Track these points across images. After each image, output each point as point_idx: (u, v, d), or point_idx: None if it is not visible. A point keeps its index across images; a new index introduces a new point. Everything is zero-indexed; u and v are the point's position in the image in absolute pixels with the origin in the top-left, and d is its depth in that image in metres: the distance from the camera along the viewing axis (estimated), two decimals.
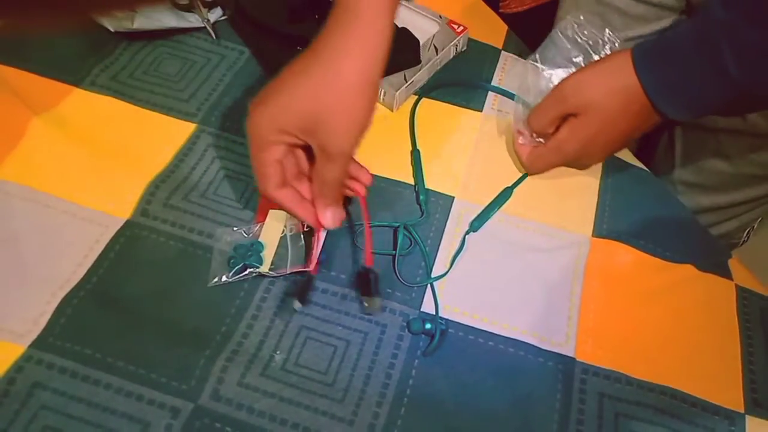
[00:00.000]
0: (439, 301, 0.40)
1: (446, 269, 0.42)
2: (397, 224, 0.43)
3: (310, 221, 0.37)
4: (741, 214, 0.61)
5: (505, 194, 0.46)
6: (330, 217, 0.37)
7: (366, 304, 0.39)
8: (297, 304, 0.38)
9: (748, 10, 0.36)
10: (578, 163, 0.46)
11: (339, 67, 0.33)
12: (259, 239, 0.41)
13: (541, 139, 0.46)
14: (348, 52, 0.33)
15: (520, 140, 0.47)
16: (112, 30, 0.50)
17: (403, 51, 0.50)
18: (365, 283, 0.39)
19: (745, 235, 0.65)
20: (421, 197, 0.44)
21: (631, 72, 0.41)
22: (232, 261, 0.40)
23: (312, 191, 0.37)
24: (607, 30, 0.46)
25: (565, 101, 0.43)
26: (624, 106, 0.41)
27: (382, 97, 0.50)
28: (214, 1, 0.53)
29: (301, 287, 0.39)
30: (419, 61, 0.50)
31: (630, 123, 0.42)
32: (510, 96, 0.52)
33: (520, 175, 0.47)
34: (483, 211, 0.45)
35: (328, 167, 0.35)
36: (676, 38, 0.40)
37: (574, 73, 0.44)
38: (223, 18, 0.54)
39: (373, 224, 0.43)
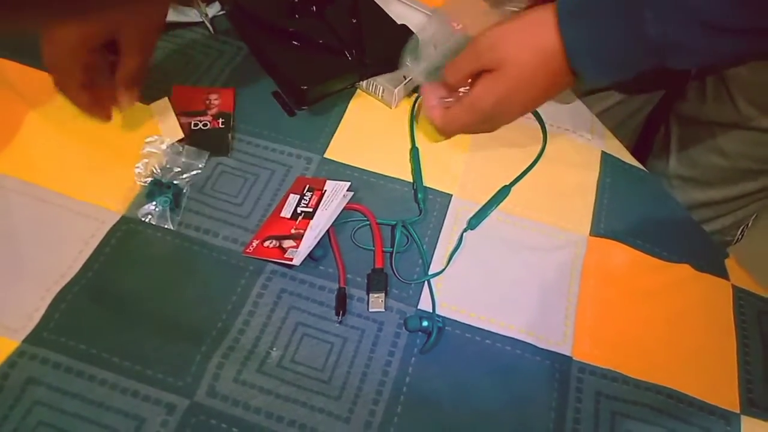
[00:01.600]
0: (436, 299, 0.40)
1: (443, 267, 0.42)
2: (395, 222, 0.43)
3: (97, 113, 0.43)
4: (736, 210, 0.61)
5: (503, 192, 0.46)
6: (128, 98, 0.43)
7: (372, 301, 0.39)
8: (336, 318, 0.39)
9: None
10: (492, 122, 0.44)
11: None
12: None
13: (451, 99, 0.44)
14: None
15: (431, 100, 0.44)
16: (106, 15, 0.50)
17: (402, 47, 0.50)
18: (373, 281, 0.40)
19: (739, 232, 0.65)
20: (420, 195, 0.44)
21: (552, 28, 0.39)
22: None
23: (117, 77, 0.42)
24: None
25: (482, 55, 0.41)
26: (542, 63, 0.39)
27: (380, 94, 0.50)
28: None
29: (338, 301, 0.39)
30: (396, 67, 0.50)
31: (547, 81, 0.40)
32: None
33: (519, 173, 0.47)
34: (481, 209, 0.45)
35: (133, 60, 0.41)
36: None
37: (492, 27, 0.41)
38: (221, 13, 0.53)
39: (387, 222, 0.43)
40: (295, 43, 0.49)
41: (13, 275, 0.38)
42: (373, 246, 0.41)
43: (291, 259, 0.39)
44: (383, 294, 0.39)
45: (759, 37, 0.35)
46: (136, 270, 0.39)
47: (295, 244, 0.40)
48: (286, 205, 0.42)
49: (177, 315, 0.38)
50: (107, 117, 0.44)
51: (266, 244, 0.40)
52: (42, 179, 0.42)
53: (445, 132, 0.45)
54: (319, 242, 0.40)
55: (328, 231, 0.41)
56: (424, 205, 0.44)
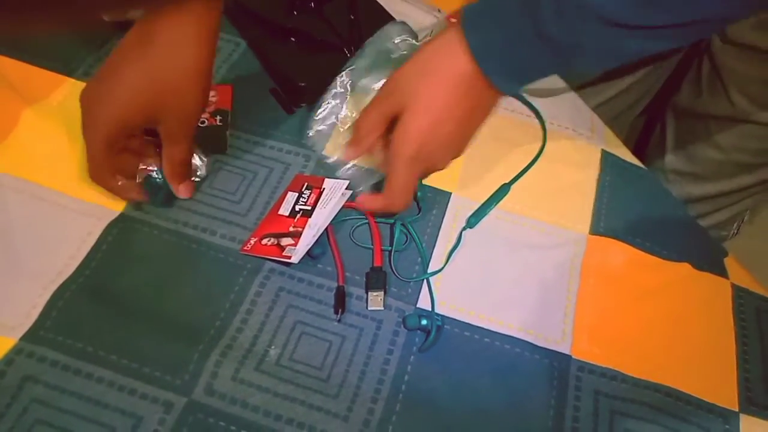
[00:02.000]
0: (435, 298, 0.40)
1: (442, 265, 0.42)
2: (393, 220, 0.43)
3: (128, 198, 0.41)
4: (731, 204, 0.61)
5: (503, 191, 0.45)
6: (185, 191, 0.41)
7: (371, 299, 0.39)
8: (335, 316, 0.38)
9: None
10: (429, 162, 0.40)
11: (169, 58, 0.35)
12: None
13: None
14: (186, 42, 0.35)
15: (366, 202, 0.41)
16: (106, 19, 0.49)
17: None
18: (371, 279, 0.39)
19: (735, 226, 0.65)
20: (419, 193, 0.44)
21: (457, 46, 0.36)
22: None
23: (165, 172, 0.40)
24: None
25: (388, 97, 0.39)
26: (455, 85, 0.37)
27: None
28: None
29: (337, 299, 0.39)
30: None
31: (468, 102, 0.37)
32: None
33: (518, 171, 0.47)
34: (480, 207, 0.44)
35: (177, 149, 0.39)
36: (501, 2, 0.36)
37: (401, 67, 0.39)
38: None
39: (385, 220, 0.43)
40: (293, 39, 0.49)
41: (10, 273, 0.38)
42: (372, 244, 0.41)
43: (289, 257, 0.39)
44: (382, 292, 0.39)
45: (660, 34, 0.33)
46: (133, 268, 0.39)
47: (293, 242, 0.39)
48: (284, 203, 0.42)
49: (175, 313, 0.38)
50: (141, 197, 0.41)
51: (264, 242, 0.40)
52: (39, 176, 0.42)
53: (395, 206, 0.40)
54: (317, 240, 0.40)
55: (326, 229, 0.41)
56: (423, 203, 0.44)
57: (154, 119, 0.37)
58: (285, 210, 0.42)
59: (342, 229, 0.42)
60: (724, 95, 0.53)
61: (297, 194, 0.43)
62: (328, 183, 0.43)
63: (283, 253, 0.39)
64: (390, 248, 0.42)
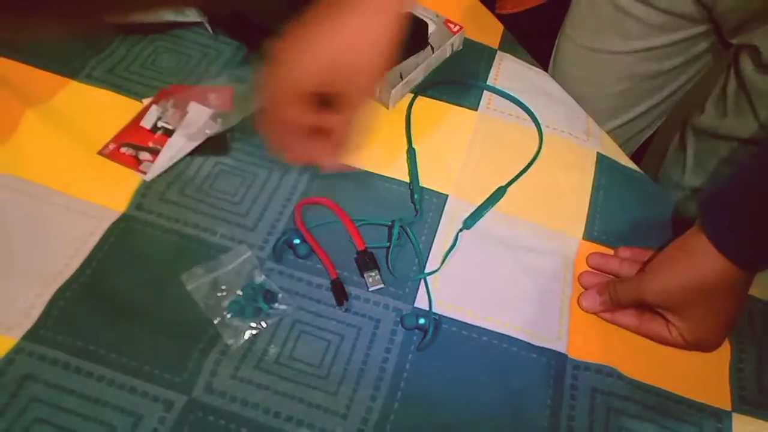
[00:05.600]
0: (432, 297, 0.40)
1: (439, 266, 0.42)
2: (390, 222, 0.43)
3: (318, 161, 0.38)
4: None
5: (499, 193, 0.46)
6: (332, 163, 0.38)
7: (370, 280, 0.39)
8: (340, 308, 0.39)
9: None
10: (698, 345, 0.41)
11: (365, 23, 0.35)
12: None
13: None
14: (371, 10, 0.35)
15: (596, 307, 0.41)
16: (108, 21, 0.50)
17: (411, 35, 0.50)
18: (362, 262, 0.40)
19: None
20: (416, 196, 0.45)
21: (710, 251, 0.37)
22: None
23: (335, 134, 0.38)
24: None
25: (650, 300, 0.39)
26: (726, 295, 0.38)
27: (377, 94, 0.50)
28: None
29: (334, 291, 0.39)
30: (427, 44, 0.50)
31: (739, 302, 0.39)
32: (505, 96, 0.52)
33: (514, 174, 0.48)
34: (477, 209, 0.45)
35: (343, 116, 0.37)
36: (743, 191, 0.36)
37: (649, 269, 0.40)
38: (199, 21, 0.53)
39: (369, 221, 0.43)
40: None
41: (11, 273, 0.38)
42: (348, 232, 0.42)
43: (145, 173, 0.40)
44: (377, 270, 0.40)
45: None
46: (134, 267, 0.40)
47: (151, 157, 0.40)
48: (147, 115, 0.43)
49: (175, 312, 0.38)
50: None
51: (122, 150, 0.41)
52: (40, 177, 0.42)
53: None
54: (302, 241, 0.41)
55: (304, 233, 0.41)
56: (420, 205, 0.45)
57: (338, 81, 0.36)
58: (147, 123, 0.42)
59: (320, 234, 0.42)
60: (752, 117, 0.52)
61: (161, 109, 0.43)
62: (192, 107, 0.43)
63: (140, 167, 0.40)
64: (388, 244, 0.42)
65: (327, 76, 0.35)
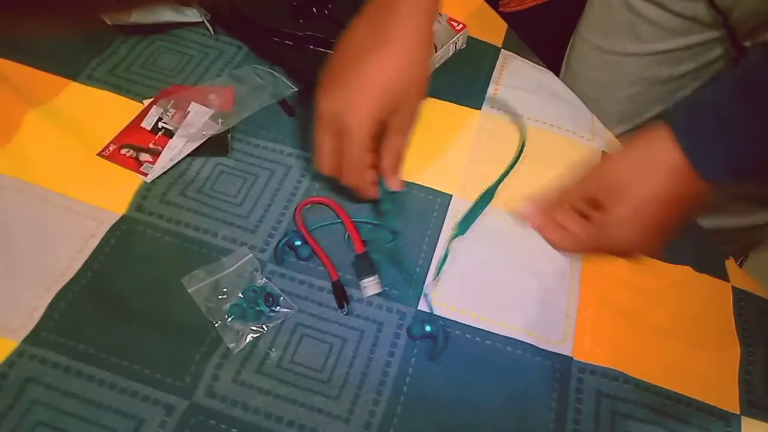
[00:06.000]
0: (436, 301, 0.40)
1: (436, 275, 0.41)
2: (378, 222, 0.42)
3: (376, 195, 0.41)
4: (740, 240, 0.58)
5: (488, 196, 0.45)
6: (399, 181, 0.42)
7: (366, 286, 0.39)
8: (342, 311, 0.39)
9: None
10: (626, 252, 0.40)
11: (408, 51, 0.37)
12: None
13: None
14: (410, 36, 0.37)
15: (540, 219, 0.40)
16: (109, 23, 0.50)
17: None
18: (359, 267, 0.39)
19: (738, 262, 0.62)
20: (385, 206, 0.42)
21: (671, 145, 0.36)
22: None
23: (384, 163, 0.40)
24: None
25: (595, 182, 0.39)
26: (674, 186, 0.37)
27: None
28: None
29: (335, 293, 0.39)
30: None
31: (683, 206, 0.38)
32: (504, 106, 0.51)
33: (518, 173, 0.47)
34: (467, 214, 0.44)
35: (401, 139, 0.39)
36: (712, 96, 0.36)
37: (606, 160, 0.40)
38: (202, 19, 0.53)
39: (370, 221, 0.43)
40: (311, 46, 0.49)
41: (12, 275, 0.38)
42: (347, 233, 0.41)
43: (146, 174, 0.39)
44: (375, 276, 0.39)
45: None
46: (135, 270, 0.39)
47: (151, 159, 0.40)
48: (148, 116, 0.42)
49: (176, 315, 0.38)
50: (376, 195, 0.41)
51: (123, 151, 0.41)
52: (41, 179, 0.42)
53: (564, 250, 0.41)
54: (303, 243, 0.40)
55: (305, 234, 0.41)
56: (390, 221, 0.42)
57: (394, 111, 0.38)
58: (148, 124, 0.42)
59: (321, 236, 0.42)
60: None
61: (162, 110, 0.43)
62: (193, 107, 0.43)
63: (140, 169, 0.40)
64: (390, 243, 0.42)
65: (383, 111, 0.37)
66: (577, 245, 0.40)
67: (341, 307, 0.38)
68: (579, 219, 0.41)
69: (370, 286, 0.39)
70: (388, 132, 0.39)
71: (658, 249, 0.40)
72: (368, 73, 0.37)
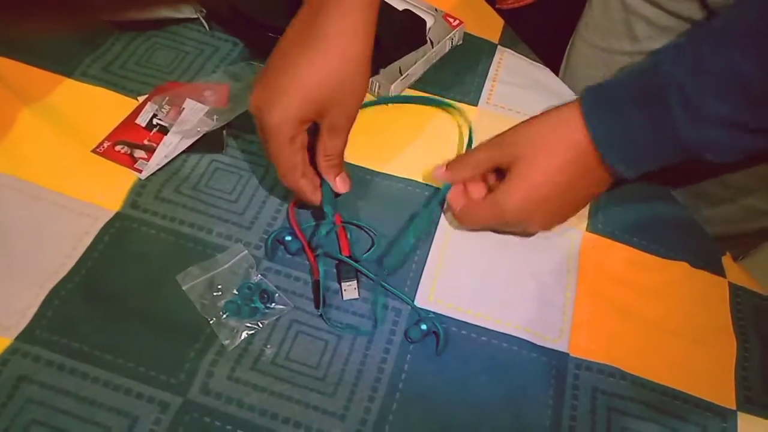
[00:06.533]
0: (432, 297, 0.40)
1: (437, 265, 0.41)
2: (374, 233, 0.42)
3: (317, 201, 0.40)
4: (726, 249, 0.58)
5: (419, 225, 0.42)
6: (342, 183, 0.40)
7: (345, 290, 0.39)
8: (317, 310, 0.38)
9: (706, 77, 0.33)
10: (521, 226, 0.41)
11: (340, 49, 0.35)
12: None
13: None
14: (344, 33, 0.35)
15: (456, 185, 0.42)
16: (104, 19, 0.49)
17: (409, 31, 0.50)
18: (343, 271, 0.39)
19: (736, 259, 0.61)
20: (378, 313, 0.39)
21: (578, 125, 0.37)
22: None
23: (319, 166, 0.39)
24: None
25: (502, 147, 0.39)
26: (571, 161, 0.37)
27: (376, 90, 0.50)
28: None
29: (314, 294, 0.39)
30: (425, 41, 0.50)
31: (580, 181, 0.38)
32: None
33: None
34: (395, 249, 0.41)
35: (336, 141, 0.38)
36: (623, 89, 0.37)
37: (517, 124, 0.40)
38: (197, 15, 0.52)
39: (358, 223, 0.43)
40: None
41: (5, 272, 0.38)
42: (336, 236, 0.41)
43: (140, 171, 0.39)
44: (355, 281, 0.39)
45: None
46: (129, 267, 0.39)
47: (146, 156, 0.40)
48: (142, 113, 0.42)
49: (171, 312, 0.38)
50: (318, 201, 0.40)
51: (117, 148, 0.41)
52: (35, 176, 0.42)
53: (462, 222, 0.42)
54: (293, 238, 0.40)
55: (296, 230, 0.41)
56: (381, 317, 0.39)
57: (324, 112, 0.37)
58: (142, 120, 0.42)
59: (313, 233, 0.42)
60: None
61: (156, 106, 0.42)
62: (188, 104, 0.43)
63: (135, 165, 0.40)
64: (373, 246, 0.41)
65: (306, 111, 0.36)
66: (475, 218, 0.41)
67: (317, 307, 0.38)
68: (483, 188, 0.42)
69: (349, 290, 0.39)
70: (321, 133, 0.38)
71: (551, 226, 0.41)
72: (294, 73, 0.35)
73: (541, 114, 0.40)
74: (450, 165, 0.42)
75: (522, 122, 0.40)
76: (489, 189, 0.42)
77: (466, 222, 0.42)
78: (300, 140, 0.37)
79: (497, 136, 0.41)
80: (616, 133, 0.37)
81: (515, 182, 0.38)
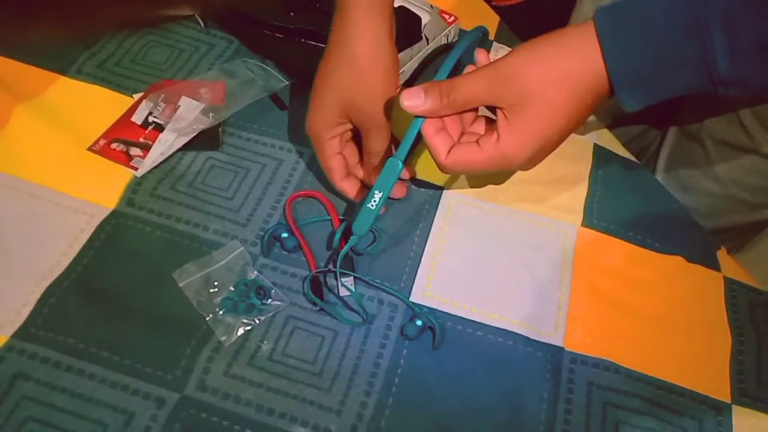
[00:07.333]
0: (428, 292, 0.40)
1: (432, 261, 0.41)
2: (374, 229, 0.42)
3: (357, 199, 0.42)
4: (738, 237, 0.56)
5: (384, 177, 0.37)
6: (398, 190, 0.42)
7: (340, 285, 0.39)
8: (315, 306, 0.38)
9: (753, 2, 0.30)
10: (515, 169, 0.38)
11: (353, 51, 0.38)
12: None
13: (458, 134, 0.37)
14: (357, 35, 0.38)
15: (432, 131, 0.36)
16: (107, 22, 0.49)
17: (404, 28, 0.49)
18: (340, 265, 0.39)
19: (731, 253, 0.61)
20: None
21: (592, 50, 0.33)
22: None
23: (365, 169, 0.42)
24: None
25: (501, 81, 0.34)
26: (579, 96, 0.34)
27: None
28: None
29: (312, 288, 0.39)
30: (420, 38, 0.50)
31: (580, 112, 0.35)
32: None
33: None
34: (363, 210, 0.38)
35: (372, 140, 0.40)
36: (654, 16, 0.32)
37: (518, 50, 0.34)
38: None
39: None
40: (303, 40, 0.49)
41: (1, 270, 0.38)
42: (333, 228, 0.41)
43: (136, 169, 0.40)
44: (351, 278, 0.39)
45: None
46: (125, 264, 0.39)
47: (142, 153, 0.40)
48: (138, 110, 0.43)
49: (167, 309, 0.38)
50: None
51: (113, 146, 0.41)
52: (30, 174, 0.42)
53: (448, 171, 0.38)
54: (289, 234, 0.40)
55: (292, 226, 0.41)
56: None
57: (353, 115, 0.39)
58: (138, 118, 0.42)
59: (310, 230, 0.42)
60: (735, 119, 0.48)
61: (152, 104, 0.43)
62: (183, 101, 0.43)
63: (131, 163, 0.40)
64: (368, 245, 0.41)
65: (342, 116, 0.39)
66: (468, 166, 0.36)
67: (313, 303, 0.38)
68: (459, 123, 0.37)
69: (345, 286, 0.39)
70: (362, 135, 0.40)
71: (540, 160, 0.37)
72: (328, 86, 0.39)
73: (542, 39, 0.34)
74: (430, 95, 0.35)
75: (518, 49, 0.35)
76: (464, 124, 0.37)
77: (454, 170, 0.37)
78: (337, 143, 0.41)
79: (490, 67, 0.35)
80: (636, 60, 0.32)
81: (521, 125, 0.33)
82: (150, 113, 0.44)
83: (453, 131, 0.38)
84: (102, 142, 0.43)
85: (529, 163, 0.37)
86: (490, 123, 0.39)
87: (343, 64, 0.38)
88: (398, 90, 0.38)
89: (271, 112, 0.48)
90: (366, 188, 0.42)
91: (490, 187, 0.46)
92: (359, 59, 0.38)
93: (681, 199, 0.51)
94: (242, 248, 0.40)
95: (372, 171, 0.41)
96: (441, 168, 0.37)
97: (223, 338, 0.37)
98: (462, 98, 0.35)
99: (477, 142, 0.36)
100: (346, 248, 0.38)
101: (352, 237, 0.38)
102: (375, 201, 0.37)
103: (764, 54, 0.31)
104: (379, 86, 0.38)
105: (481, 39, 0.43)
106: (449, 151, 0.36)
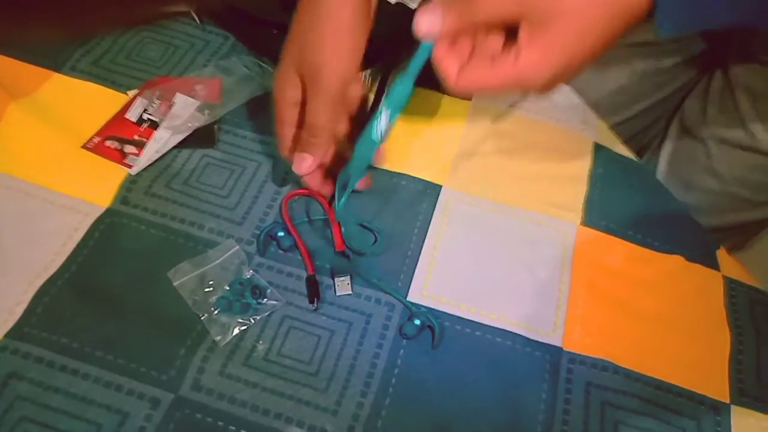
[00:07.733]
0: (426, 292, 0.40)
1: (430, 260, 0.41)
2: (374, 228, 0.42)
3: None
4: (737, 235, 0.56)
5: (394, 98, 0.35)
6: (300, 163, 0.38)
7: (338, 285, 0.38)
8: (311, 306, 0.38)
9: None
10: (534, 92, 0.33)
11: (334, 12, 0.36)
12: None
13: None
14: (342, 6, 0.36)
15: (442, 51, 0.32)
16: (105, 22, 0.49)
17: (402, 25, 0.49)
18: (334, 264, 0.39)
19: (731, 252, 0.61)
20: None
21: None
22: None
23: (298, 142, 0.38)
24: None
25: (532, 4, 0.30)
26: (614, 15, 0.30)
27: (368, 83, 0.49)
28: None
29: (309, 289, 0.38)
30: None
31: (608, 40, 0.31)
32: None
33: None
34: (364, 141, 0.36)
35: (311, 104, 0.36)
36: None
37: None
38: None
39: (351, 219, 0.42)
40: (276, 32, 0.49)
41: None
42: (331, 230, 0.40)
43: (130, 166, 0.39)
44: (348, 277, 0.39)
45: None
46: (120, 263, 0.39)
47: (136, 151, 0.40)
48: (133, 107, 0.42)
49: (162, 308, 0.37)
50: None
51: (107, 143, 0.40)
52: (24, 172, 0.42)
53: (459, 93, 0.34)
54: (286, 233, 0.40)
55: (289, 225, 0.40)
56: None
57: (309, 73, 0.36)
58: (133, 115, 0.42)
59: (307, 230, 0.41)
60: (736, 117, 0.48)
61: (147, 101, 0.42)
62: (179, 98, 0.43)
63: (125, 161, 0.40)
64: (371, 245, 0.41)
65: (299, 74, 0.37)
66: (482, 88, 0.32)
67: (311, 302, 0.38)
68: (470, 43, 0.32)
69: (342, 286, 0.38)
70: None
71: (557, 85, 0.32)
72: (287, 39, 0.37)
73: None
74: (450, 12, 0.31)
75: None
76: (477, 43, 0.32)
77: (466, 91, 0.34)
78: (293, 113, 0.38)
79: None
80: None
81: (546, 41, 0.30)
82: (145, 110, 0.44)
83: (463, 46, 0.32)
84: (96, 140, 0.43)
85: (548, 85, 0.32)
86: (508, 38, 0.32)
87: (307, 18, 0.36)
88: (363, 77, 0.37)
89: (268, 110, 0.47)
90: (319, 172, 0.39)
91: (488, 184, 0.46)
92: (323, 10, 0.35)
93: (682, 197, 0.50)
94: (238, 247, 0.40)
95: (305, 146, 0.37)
96: (451, 91, 0.33)
97: (218, 338, 0.36)
98: (484, 13, 0.31)
99: (491, 59, 0.31)
100: (348, 189, 0.36)
101: (351, 178, 0.35)
102: (381, 126, 0.32)
103: None
104: (337, 41, 0.35)
105: None
106: (459, 72, 0.32)
